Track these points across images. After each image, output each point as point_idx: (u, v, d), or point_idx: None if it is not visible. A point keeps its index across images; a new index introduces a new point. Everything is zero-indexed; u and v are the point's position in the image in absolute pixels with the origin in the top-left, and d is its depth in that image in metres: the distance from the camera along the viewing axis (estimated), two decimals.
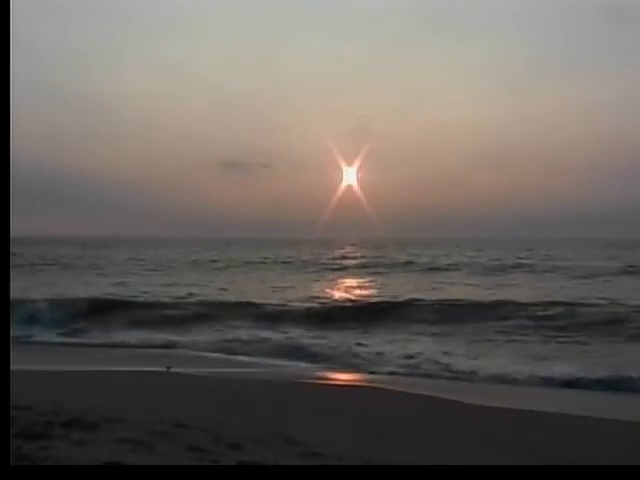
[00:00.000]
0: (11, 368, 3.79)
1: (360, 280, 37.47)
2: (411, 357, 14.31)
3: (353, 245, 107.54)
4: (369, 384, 11.52)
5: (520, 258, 55.39)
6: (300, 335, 17.81)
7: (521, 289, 29.89)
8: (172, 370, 12.10)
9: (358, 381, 12.14)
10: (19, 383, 5.29)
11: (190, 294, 26.96)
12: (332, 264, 53.16)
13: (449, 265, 47.94)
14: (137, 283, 32.89)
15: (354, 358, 14.55)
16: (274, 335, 17.74)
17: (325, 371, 13.14)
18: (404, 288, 30.36)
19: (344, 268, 49.58)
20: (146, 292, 27.84)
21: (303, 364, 14.05)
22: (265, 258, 62.04)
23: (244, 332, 18.42)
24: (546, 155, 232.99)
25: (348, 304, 24.81)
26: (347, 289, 32.24)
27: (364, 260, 57.64)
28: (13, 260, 41.28)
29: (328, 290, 31.36)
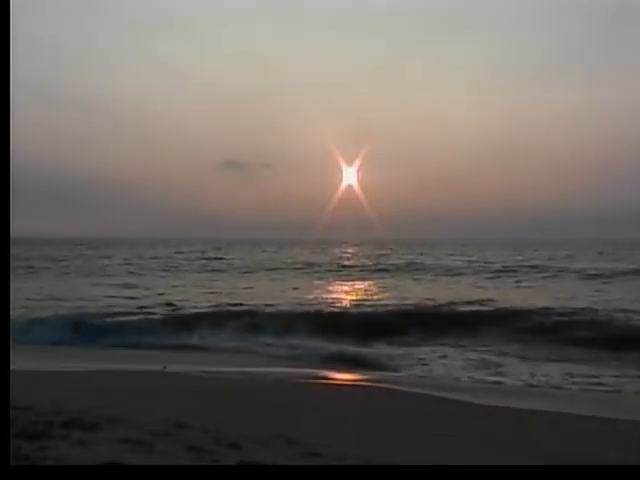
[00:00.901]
0: (11, 368, 3.80)
1: (382, 283, 35.42)
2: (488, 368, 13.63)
3: (356, 246, 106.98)
4: (369, 383, 11.50)
5: (528, 260, 54.21)
6: (352, 343, 16.65)
7: (539, 292, 28.84)
8: (168, 370, 12.12)
9: (359, 381, 12.12)
10: (19, 383, 5.29)
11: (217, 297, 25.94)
12: (353, 265, 50.98)
13: (463, 267, 46.11)
14: (164, 287, 31.03)
15: (415, 369, 13.77)
16: (327, 344, 16.45)
17: (325, 371, 13.11)
18: (437, 292, 28.55)
19: (362, 271, 46.65)
20: (185, 300, 25.14)
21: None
22: (268, 258, 61.23)
23: (293, 340, 17.12)
24: (549, 156, 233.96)
25: (388, 310, 22.34)
26: (376, 294, 29.73)
27: (375, 262, 55.11)
28: (26, 262, 40.73)
29: (366, 295, 29.24)
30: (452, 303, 23.29)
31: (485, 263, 50.51)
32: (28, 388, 7.23)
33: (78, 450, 4.51)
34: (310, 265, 50.90)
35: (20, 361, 9.62)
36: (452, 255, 64.56)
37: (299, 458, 5.16)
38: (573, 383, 11.94)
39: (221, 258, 61.40)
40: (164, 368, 12.27)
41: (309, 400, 9.59)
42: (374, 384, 11.38)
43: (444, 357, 14.87)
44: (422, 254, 66.91)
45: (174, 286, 31.77)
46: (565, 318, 19.50)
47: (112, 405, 6.96)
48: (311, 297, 26.83)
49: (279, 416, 7.98)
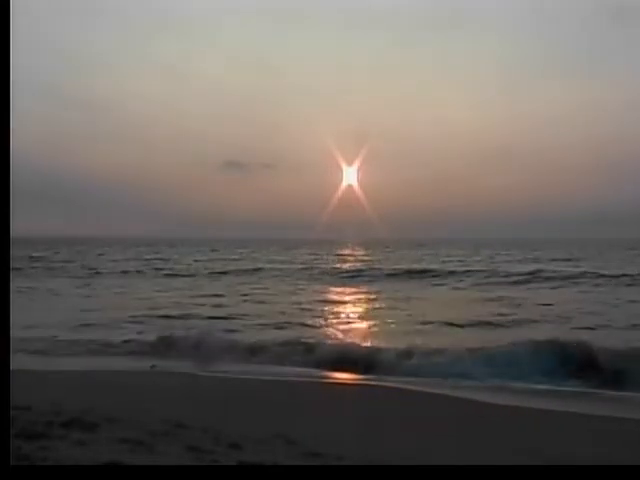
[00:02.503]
0: (11, 368, 3.79)
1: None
2: None
3: (360, 246, 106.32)
4: (370, 383, 11.48)
5: (547, 262, 51.00)
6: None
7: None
8: (157, 369, 12.18)
9: (359, 380, 12.09)
10: (19, 383, 5.29)
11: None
12: (396, 271, 42.69)
13: (488, 272, 39.55)
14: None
15: None
16: None
17: (326, 371, 13.08)
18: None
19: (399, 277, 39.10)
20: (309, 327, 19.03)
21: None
22: (283, 261, 58.26)
23: None
24: (548, 156, 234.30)
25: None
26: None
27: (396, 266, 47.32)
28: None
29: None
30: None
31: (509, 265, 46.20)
32: (28, 388, 7.22)
33: (78, 450, 4.50)
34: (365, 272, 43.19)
35: None
36: (467, 258, 59.46)
37: (299, 458, 5.16)
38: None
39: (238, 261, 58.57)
40: (153, 367, 12.28)
41: (309, 400, 9.59)
42: (374, 383, 11.36)
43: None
44: (447, 259, 60.22)
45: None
46: None
47: (112, 405, 6.96)
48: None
49: (279, 416, 7.98)
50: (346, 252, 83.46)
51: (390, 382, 11.34)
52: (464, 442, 7.22)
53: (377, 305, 26.39)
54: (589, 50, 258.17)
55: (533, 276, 36.43)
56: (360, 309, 25.41)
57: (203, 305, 23.90)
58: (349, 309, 25.09)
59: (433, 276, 39.36)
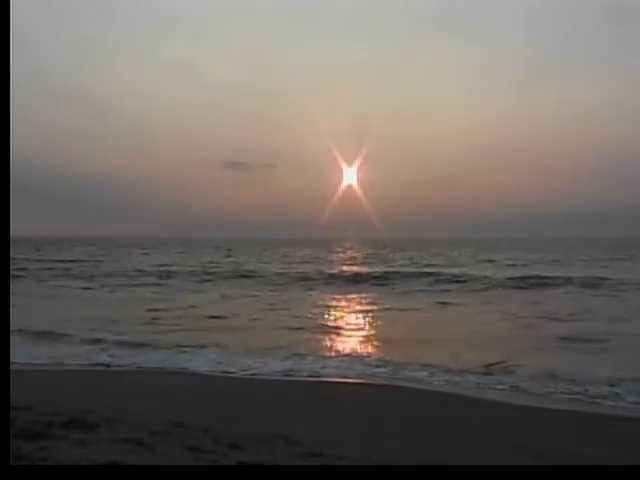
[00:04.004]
0: (11, 368, 3.80)
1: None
2: None
3: (363, 245, 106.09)
4: (370, 382, 11.47)
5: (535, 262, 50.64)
6: None
7: None
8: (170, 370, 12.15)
9: (360, 379, 12.08)
10: (19, 383, 5.29)
11: None
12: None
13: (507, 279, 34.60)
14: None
15: None
16: None
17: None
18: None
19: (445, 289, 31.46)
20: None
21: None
22: (289, 264, 54.52)
23: None
24: (546, 155, 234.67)
25: None
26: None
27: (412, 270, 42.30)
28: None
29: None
30: None
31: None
32: (28, 388, 7.23)
33: (78, 450, 4.50)
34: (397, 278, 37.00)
35: None
36: (469, 260, 57.02)
37: (299, 458, 5.16)
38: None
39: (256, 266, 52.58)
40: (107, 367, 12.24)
41: (309, 400, 9.59)
42: (374, 383, 11.35)
43: None
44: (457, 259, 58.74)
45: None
46: None
47: (112, 405, 6.96)
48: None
49: (279, 416, 7.98)
50: (351, 252, 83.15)
51: (390, 382, 11.34)
52: (464, 442, 7.21)
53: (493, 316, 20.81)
54: (589, 50, 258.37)
55: (600, 280, 32.70)
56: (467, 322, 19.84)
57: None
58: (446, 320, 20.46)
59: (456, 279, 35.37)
